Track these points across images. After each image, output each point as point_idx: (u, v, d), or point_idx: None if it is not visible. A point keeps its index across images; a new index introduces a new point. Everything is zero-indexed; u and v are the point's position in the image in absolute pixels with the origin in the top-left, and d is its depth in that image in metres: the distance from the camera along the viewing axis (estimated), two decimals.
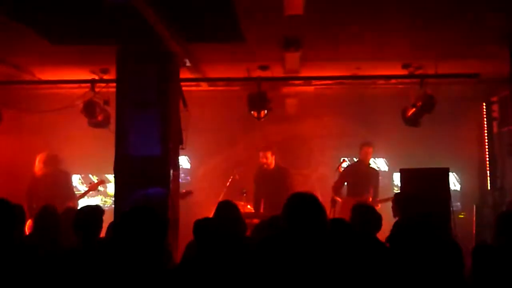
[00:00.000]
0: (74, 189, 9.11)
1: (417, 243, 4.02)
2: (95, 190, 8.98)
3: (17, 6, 5.65)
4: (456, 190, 9.55)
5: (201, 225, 4.39)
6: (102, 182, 8.87)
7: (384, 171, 10.21)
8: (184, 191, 7.87)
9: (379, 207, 8.12)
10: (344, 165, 9.12)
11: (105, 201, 10.05)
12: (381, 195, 8.97)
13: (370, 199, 8.72)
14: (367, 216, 5.03)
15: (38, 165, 8.45)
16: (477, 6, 5.84)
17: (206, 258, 3.99)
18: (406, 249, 4.15)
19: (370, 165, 9.27)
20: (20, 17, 5.98)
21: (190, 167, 10.31)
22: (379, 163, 10.27)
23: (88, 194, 8.92)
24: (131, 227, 3.15)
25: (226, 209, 5.30)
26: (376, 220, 5.06)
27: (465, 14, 6.07)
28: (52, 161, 8.52)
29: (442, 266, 3.67)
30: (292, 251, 3.35)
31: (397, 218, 6.16)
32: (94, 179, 10.06)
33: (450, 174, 7.61)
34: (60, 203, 7.96)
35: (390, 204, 7.15)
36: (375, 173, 9.27)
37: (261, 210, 8.67)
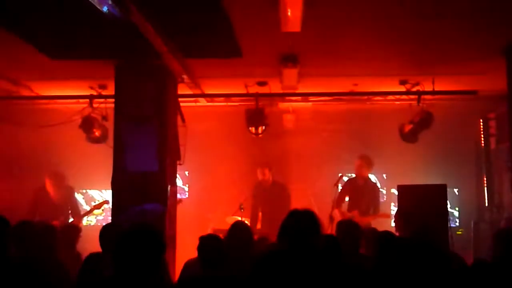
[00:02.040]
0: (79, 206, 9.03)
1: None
2: (99, 209, 8.82)
3: (15, 21, 5.66)
4: (451, 212, 9.39)
5: (206, 242, 4.35)
6: (106, 202, 8.71)
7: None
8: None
9: (369, 222, 8.12)
10: (345, 178, 9.02)
11: (89, 221, 9.76)
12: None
13: (354, 213, 8.46)
14: (349, 232, 5.07)
15: (46, 182, 8.45)
16: (473, 22, 5.88)
17: (210, 276, 3.94)
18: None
19: (368, 179, 8.97)
20: (19, 32, 5.99)
21: (188, 182, 10.24)
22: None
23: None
24: (130, 248, 3.08)
25: (240, 230, 5.13)
26: (359, 235, 5.11)
27: (461, 30, 6.11)
28: (61, 180, 8.54)
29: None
30: (288, 271, 3.30)
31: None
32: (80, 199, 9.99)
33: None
34: (64, 220, 8.04)
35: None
36: (371, 187, 8.95)
37: (258, 226, 8.66)
